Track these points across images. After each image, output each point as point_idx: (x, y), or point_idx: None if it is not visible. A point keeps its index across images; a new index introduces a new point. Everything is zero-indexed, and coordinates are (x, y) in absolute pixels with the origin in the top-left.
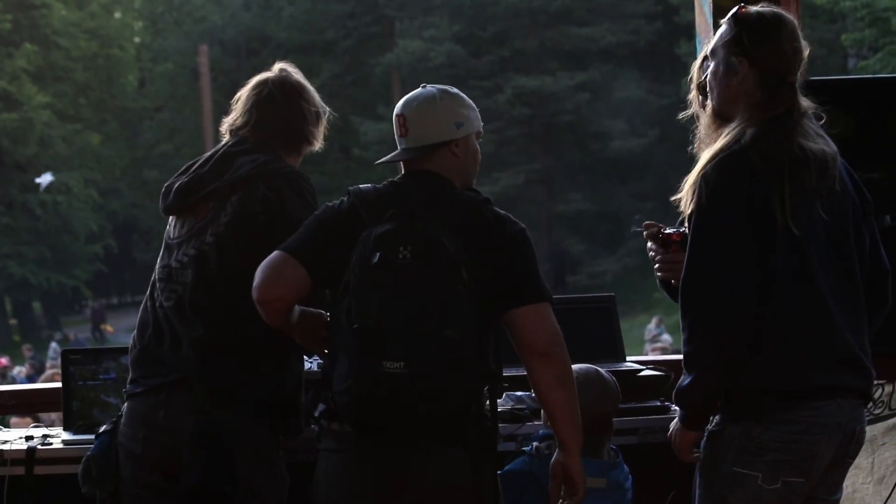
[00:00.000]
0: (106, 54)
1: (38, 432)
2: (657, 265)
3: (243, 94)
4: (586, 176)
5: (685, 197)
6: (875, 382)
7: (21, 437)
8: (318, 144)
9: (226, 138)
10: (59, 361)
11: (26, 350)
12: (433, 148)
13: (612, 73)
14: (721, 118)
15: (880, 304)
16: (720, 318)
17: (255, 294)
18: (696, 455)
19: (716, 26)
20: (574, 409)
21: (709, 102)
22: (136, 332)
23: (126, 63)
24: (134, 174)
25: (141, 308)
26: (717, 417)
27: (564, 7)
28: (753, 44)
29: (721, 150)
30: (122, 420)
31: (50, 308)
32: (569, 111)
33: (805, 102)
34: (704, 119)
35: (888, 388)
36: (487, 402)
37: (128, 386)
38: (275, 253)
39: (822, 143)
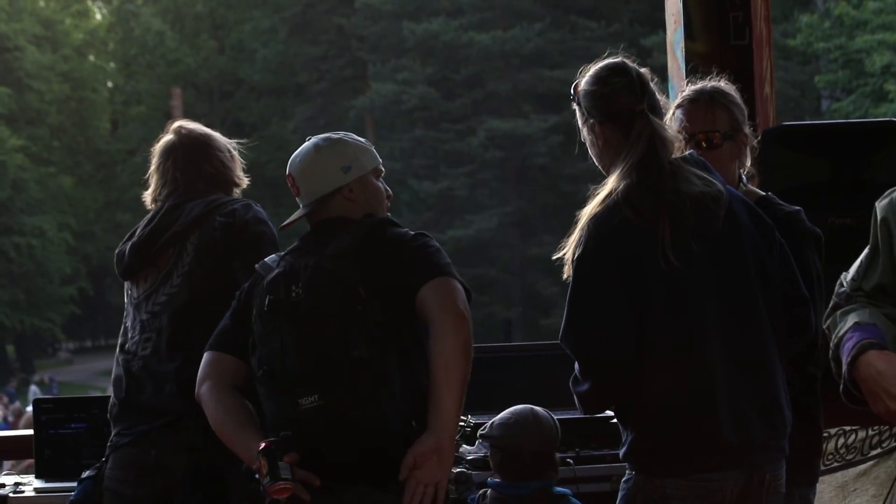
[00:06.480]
0: (79, 97)
1: (9, 480)
2: None
3: (157, 163)
4: (560, 218)
5: (569, 250)
6: (848, 428)
7: None
8: (244, 181)
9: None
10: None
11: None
12: (326, 199)
13: None
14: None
15: (798, 330)
16: (601, 370)
17: (197, 394)
18: None
19: (688, 70)
20: (464, 391)
21: None
22: (112, 389)
23: (99, 106)
24: (108, 217)
25: (114, 366)
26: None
27: (537, 50)
28: (587, 103)
29: (596, 206)
30: (109, 465)
31: (23, 351)
32: (542, 154)
33: (678, 144)
34: None
35: (861, 434)
36: None
37: (113, 439)
38: (204, 356)
39: (701, 184)
